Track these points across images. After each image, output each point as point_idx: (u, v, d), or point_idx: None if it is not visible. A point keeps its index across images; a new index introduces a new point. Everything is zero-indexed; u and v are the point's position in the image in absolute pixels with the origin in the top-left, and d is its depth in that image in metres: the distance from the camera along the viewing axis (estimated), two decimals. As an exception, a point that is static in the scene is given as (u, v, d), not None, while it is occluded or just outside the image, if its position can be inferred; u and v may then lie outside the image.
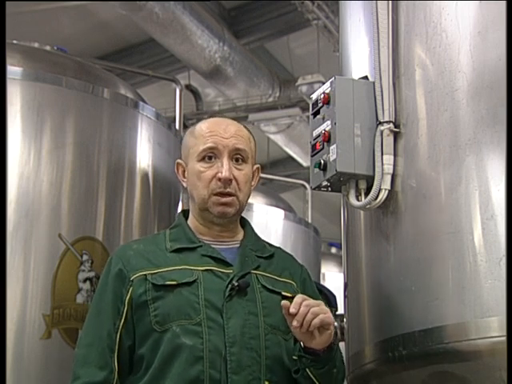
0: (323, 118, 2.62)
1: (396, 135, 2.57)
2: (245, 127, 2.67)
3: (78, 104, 3.59)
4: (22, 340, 3.26)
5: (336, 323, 2.72)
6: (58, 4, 9.52)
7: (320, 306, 2.36)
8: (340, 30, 3.00)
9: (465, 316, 2.30)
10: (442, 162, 2.43)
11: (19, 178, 3.40)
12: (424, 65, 2.54)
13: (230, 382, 2.37)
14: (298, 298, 2.37)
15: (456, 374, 2.38)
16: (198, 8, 9.02)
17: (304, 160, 11.79)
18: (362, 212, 2.69)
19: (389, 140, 2.56)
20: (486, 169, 2.35)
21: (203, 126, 2.61)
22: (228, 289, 2.45)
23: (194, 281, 2.46)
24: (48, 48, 4.07)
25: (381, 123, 2.57)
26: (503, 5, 2.39)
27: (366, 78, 2.68)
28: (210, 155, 2.56)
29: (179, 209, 3.97)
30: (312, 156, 2.67)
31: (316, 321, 2.33)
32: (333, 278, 8.94)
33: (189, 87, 11.03)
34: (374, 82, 2.62)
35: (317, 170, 2.61)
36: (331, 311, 2.42)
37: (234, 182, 2.54)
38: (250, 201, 2.69)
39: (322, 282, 7.60)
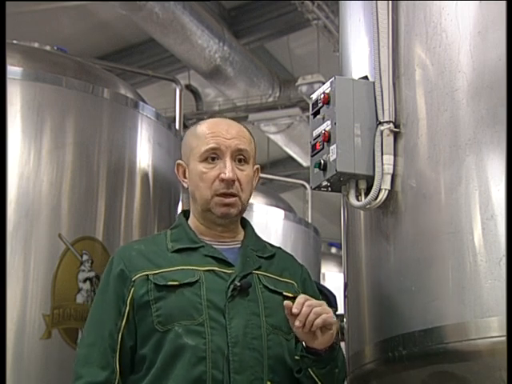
0: (323, 118, 2.62)
1: (396, 135, 2.57)
2: (245, 127, 2.67)
3: (78, 104, 3.59)
4: (22, 340, 3.26)
5: (336, 323, 2.72)
6: (58, 4, 9.52)
7: (322, 306, 2.37)
8: (340, 30, 3.00)
9: (465, 316, 2.30)
10: (442, 162, 2.43)
11: (19, 178, 3.40)
12: (424, 65, 2.53)
13: (233, 382, 2.37)
14: (301, 298, 2.37)
15: (456, 373, 2.38)
16: (197, 8, 9.03)
17: (304, 160, 11.80)
18: (361, 212, 2.69)
19: (389, 140, 2.56)
20: (486, 169, 2.35)
21: (205, 127, 2.61)
22: (230, 289, 2.45)
23: (196, 281, 2.46)
24: (48, 48, 4.07)
25: (381, 123, 2.57)
26: (503, 5, 2.39)
27: (366, 77, 2.68)
28: (212, 156, 2.56)
29: (179, 209, 3.97)
30: (312, 156, 2.67)
31: (318, 321, 2.34)
32: (333, 277, 8.95)
33: (189, 87, 11.03)
34: (374, 82, 2.62)
35: (317, 169, 2.61)
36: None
37: (236, 182, 2.54)
38: (249, 201, 2.69)
39: (322, 282, 7.60)
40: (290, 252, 2.75)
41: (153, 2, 8.34)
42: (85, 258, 3.44)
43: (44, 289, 3.33)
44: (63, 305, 3.35)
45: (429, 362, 2.39)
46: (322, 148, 2.60)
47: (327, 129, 2.58)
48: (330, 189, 2.65)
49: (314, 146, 2.66)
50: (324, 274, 8.73)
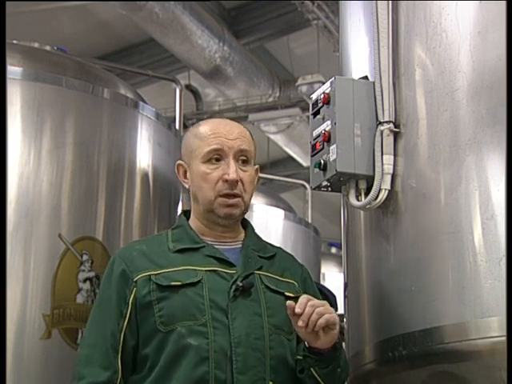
0: (323, 118, 2.62)
1: (396, 135, 2.57)
2: (245, 128, 2.67)
3: (78, 104, 3.59)
4: (22, 340, 3.26)
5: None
6: (58, 4, 9.52)
7: (325, 306, 2.37)
8: (340, 30, 3.00)
9: (465, 316, 2.31)
10: (442, 162, 2.43)
11: (19, 178, 3.40)
12: (424, 65, 2.53)
13: (236, 382, 2.37)
14: (303, 298, 2.38)
15: (456, 373, 2.38)
16: (198, 8, 9.03)
17: (304, 160, 11.80)
18: (361, 212, 2.69)
19: (389, 140, 2.56)
20: (486, 169, 2.35)
21: (206, 128, 2.61)
22: (232, 289, 2.46)
23: (199, 281, 2.46)
24: (48, 48, 4.06)
25: (381, 123, 2.57)
26: (503, 5, 2.39)
27: (366, 77, 2.68)
28: (215, 157, 2.56)
29: (179, 209, 3.97)
30: (312, 156, 2.67)
31: (321, 321, 2.34)
32: (333, 277, 8.95)
33: (189, 87, 11.03)
34: (374, 82, 2.62)
35: (317, 170, 2.61)
36: (332, 311, 2.43)
37: (239, 183, 2.54)
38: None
39: (322, 282, 7.60)
40: (290, 252, 2.76)
41: (153, 2, 8.34)
42: (85, 257, 3.43)
43: (44, 289, 3.33)
44: (63, 305, 3.35)
45: (429, 362, 2.39)
46: (322, 148, 2.60)
47: (327, 129, 2.58)
48: (330, 189, 2.65)
49: (313, 146, 2.66)
50: (324, 274, 8.73)
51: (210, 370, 2.37)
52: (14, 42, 3.96)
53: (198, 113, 11.11)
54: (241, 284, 2.46)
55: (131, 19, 8.81)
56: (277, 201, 7.31)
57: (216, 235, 2.59)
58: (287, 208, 7.13)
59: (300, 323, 2.34)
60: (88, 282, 3.42)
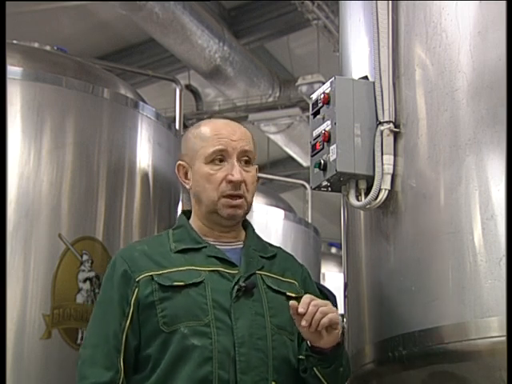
0: (323, 118, 2.62)
1: (396, 135, 2.57)
2: (245, 128, 2.67)
3: (78, 104, 3.59)
4: (22, 340, 3.26)
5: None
6: (58, 4, 9.53)
7: (328, 306, 2.38)
8: (340, 30, 3.00)
9: (465, 316, 2.30)
10: (442, 162, 2.43)
11: (19, 178, 3.40)
12: (424, 65, 2.53)
13: (239, 382, 2.38)
14: (306, 297, 2.38)
15: (456, 373, 2.38)
16: (198, 8, 9.03)
17: (304, 160, 11.80)
18: (361, 212, 2.69)
19: (389, 140, 2.56)
20: (486, 169, 2.35)
21: (209, 129, 2.60)
22: (235, 290, 2.46)
23: (201, 281, 2.46)
24: (48, 48, 4.06)
25: (381, 123, 2.57)
26: (503, 5, 2.39)
27: (366, 77, 2.68)
28: (219, 158, 2.56)
29: (179, 209, 3.96)
30: (312, 156, 2.67)
31: (325, 320, 2.35)
32: (333, 277, 8.96)
33: (189, 87, 11.03)
34: (374, 82, 2.62)
35: (317, 169, 2.61)
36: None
37: (242, 184, 2.54)
38: (250, 201, 2.69)
39: (322, 282, 7.61)
40: (289, 252, 2.76)
41: (153, 2, 8.34)
42: (85, 258, 3.43)
43: (44, 289, 3.33)
44: (63, 305, 3.35)
45: (429, 362, 2.39)
46: (322, 148, 2.60)
47: (327, 129, 2.58)
48: (330, 189, 2.65)
49: (313, 146, 2.66)
50: (324, 274, 8.73)
51: (214, 370, 2.37)
52: (14, 41, 3.96)
53: (198, 113, 11.11)
54: (243, 284, 2.46)
55: (131, 19, 8.81)
56: (277, 201, 7.31)
57: (217, 235, 2.59)
58: (287, 208, 7.12)
59: (303, 323, 2.34)
60: (88, 282, 3.42)
